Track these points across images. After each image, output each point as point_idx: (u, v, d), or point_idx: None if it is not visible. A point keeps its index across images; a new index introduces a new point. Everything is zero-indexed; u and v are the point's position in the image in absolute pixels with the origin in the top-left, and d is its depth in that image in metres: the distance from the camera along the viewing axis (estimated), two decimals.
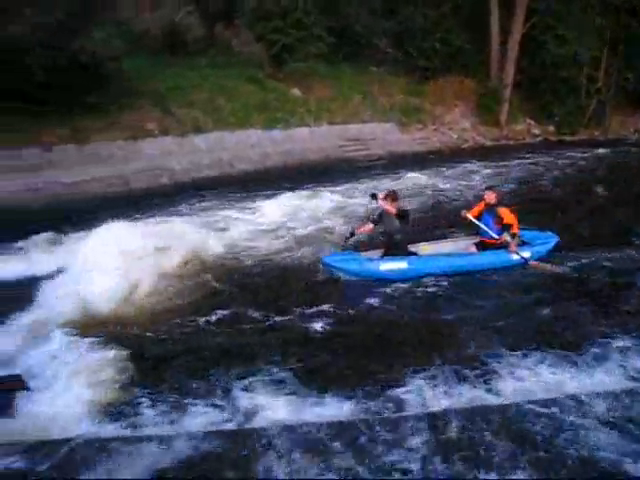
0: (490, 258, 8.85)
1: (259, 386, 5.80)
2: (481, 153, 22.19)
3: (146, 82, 18.75)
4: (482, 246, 9.07)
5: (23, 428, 5.08)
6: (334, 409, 5.38)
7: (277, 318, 7.41)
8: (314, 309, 7.71)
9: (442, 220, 11.83)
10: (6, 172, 14.03)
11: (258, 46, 23.37)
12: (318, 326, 7.19)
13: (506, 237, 8.73)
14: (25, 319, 7.31)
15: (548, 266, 8.79)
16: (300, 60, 22.66)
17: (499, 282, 8.62)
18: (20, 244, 10.19)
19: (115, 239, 8.77)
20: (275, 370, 6.07)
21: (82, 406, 5.47)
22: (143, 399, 5.63)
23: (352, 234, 8.91)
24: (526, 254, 8.87)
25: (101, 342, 6.74)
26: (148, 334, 7.09)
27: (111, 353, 6.49)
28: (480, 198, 9.57)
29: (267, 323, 7.33)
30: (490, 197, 9.00)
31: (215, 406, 5.49)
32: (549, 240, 9.35)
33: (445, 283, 8.39)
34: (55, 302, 7.68)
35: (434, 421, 4.90)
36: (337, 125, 22.30)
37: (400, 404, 5.47)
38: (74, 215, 11.54)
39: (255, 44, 23.65)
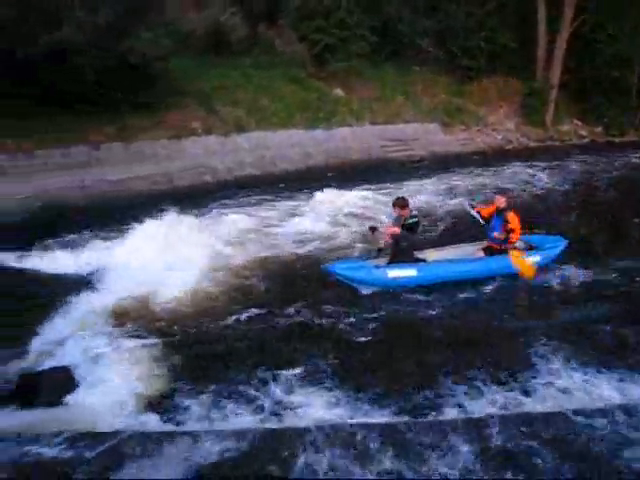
0: (500, 263, 8.66)
1: (300, 386, 5.87)
2: (526, 154, 21.76)
3: (191, 82, 18.97)
4: (490, 251, 8.95)
5: (71, 418, 5.23)
6: (374, 411, 5.42)
7: (318, 319, 7.45)
8: (354, 310, 7.74)
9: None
10: (56, 169, 14.44)
11: (301, 46, 23.38)
12: (359, 328, 7.21)
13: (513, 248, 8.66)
14: (75, 311, 7.49)
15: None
16: (342, 60, 22.57)
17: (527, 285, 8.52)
18: (70, 238, 10.44)
19: (166, 234, 8.94)
20: (316, 371, 6.13)
21: (127, 399, 5.62)
22: (186, 395, 5.75)
23: (375, 228, 8.64)
24: (535, 259, 8.73)
25: (149, 336, 6.91)
26: (195, 330, 7.23)
27: (158, 348, 6.66)
28: (491, 201, 9.40)
29: (308, 323, 7.38)
30: (500, 201, 8.90)
31: (256, 404, 5.58)
32: (558, 244, 9.18)
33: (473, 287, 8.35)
34: (106, 295, 7.87)
35: (475, 426, 4.85)
36: (379, 125, 22.17)
37: (440, 408, 5.47)
38: (120, 211, 11.78)
39: (298, 44, 23.68)
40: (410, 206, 8.38)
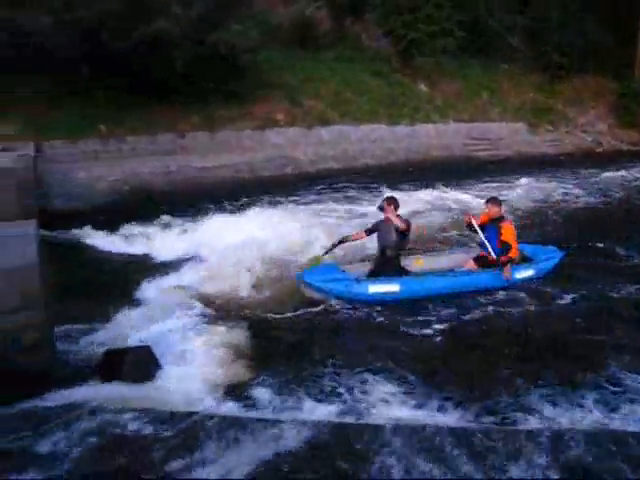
0: (489, 278, 7.87)
1: (376, 382, 5.72)
2: (618, 158, 20.67)
3: (277, 74, 19.19)
4: (481, 262, 8.11)
5: (151, 396, 5.30)
6: (450, 414, 5.22)
7: (399, 317, 7.25)
8: (433, 309, 7.51)
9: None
10: (144, 155, 15.00)
11: (386, 41, 23.23)
12: (439, 328, 6.98)
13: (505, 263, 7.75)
14: (161, 292, 7.66)
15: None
16: (428, 55, 22.25)
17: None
18: (156, 221, 10.74)
19: (249, 222, 9.01)
20: (393, 369, 5.96)
21: (207, 381, 5.63)
22: (264, 382, 5.71)
23: (341, 242, 8.06)
24: (528, 273, 8.10)
25: (234, 321, 6.94)
26: (282, 319, 7.20)
27: (237, 333, 6.67)
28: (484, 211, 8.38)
29: (390, 320, 7.21)
30: (493, 210, 8.03)
31: (332, 397, 5.48)
32: (553, 255, 8.50)
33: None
34: (188, 278, 8.00)
35: (555, 439, 4.55)
36: (463, 123, 21.70)
37: (517, 417, 5.19)
38: (203, 197, 12.02)
39: (383, 39, 23.53)
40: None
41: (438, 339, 6.74)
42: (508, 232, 7.83)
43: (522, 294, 7.86)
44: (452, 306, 7.56)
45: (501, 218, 8.01)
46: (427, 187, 13.95)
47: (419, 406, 5.33)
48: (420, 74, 22.56)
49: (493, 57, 25.28)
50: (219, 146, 16.39)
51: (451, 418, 5.14)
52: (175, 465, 4.05)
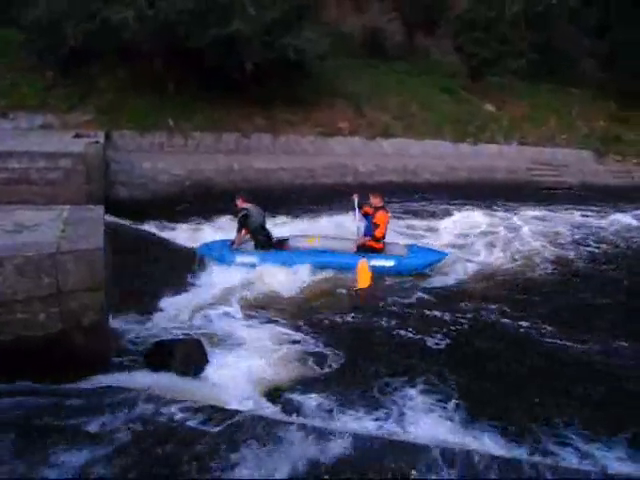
0: (347, 258, 8.89)
1: (422, 401, 5.61)
2: None
3: (343, 83, 19.24)
4: (363, 248, 9.11)
5: (197, 389, 5.36)
6: (493, 441, 5.05)
7: (450, 339, 7.13)
8: (488, 332, 7.37)
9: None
10: (207, 152, 15.42)
11: (456, 57, 23.03)
12: (488, 353, 6.85)
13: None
14: (213, 288, 7.80)
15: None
16: (498, 74, 21.95)
17: None
18: (216, 218, 10.94)
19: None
20: (441, 389, 5.84)
21: (251, 381, 5.68)
22: (309, 388, 5.71)
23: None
24: (386, 263, 8.94)
25: (281, 323, 6.99)
26: (328, 323, 7.25)
27: (288, 336, 6.75)
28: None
29: (441, 339, 7.09)
30: (375, 200, 9.16)
31: (376, 410, 5.40)
32: (429, 256, 9.36)
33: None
34: (244, 276, 8.08)
35: None
36: (528, 146, 21.20)
37: (574, 455, 4.97)
38: (263, 199, 12.10)
39: (453, 54, 23.34)
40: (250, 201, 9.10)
41: (493, 361, 6.63)
42: (380, 218, 8.98)
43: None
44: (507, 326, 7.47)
45: (381, 207, 9.12)
46: (486, 208, 13.70)
47: (462, 429, 5.21)
48: (488, 93, 22.28)
49: (564, 80, 24.70)
50: (281, 149, 16.60)
51: (494, 445, 5.00)
52: (215, 462, 4.05)
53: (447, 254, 9.60)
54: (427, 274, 9.27)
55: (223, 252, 9.00)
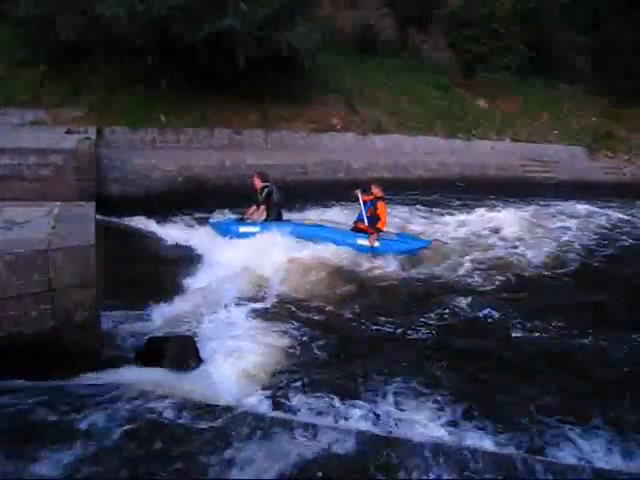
0: (347, 238, 9.68)
1: (413, 397, 5.65)
2: None
3: (336, 79, 19.18)
4: (357, 229, 9.95)
5: (189, 386, 5.34)
6: (485, 437, 5.09)
7: (446, 334, 7.20)
8: (484, 328, 7.42)
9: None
10: (199, 148, 15.39)
11: (449, 53, 23.05)
12: (483, 350, 6.87)
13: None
14: (205, 284, 7.80)
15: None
16: (490, 71, 21.97)
17: None
18: (209, 214, 10.95)
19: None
20: (432, 386, 5.87)
21: (243, 378, 5.68)
22: (302, 385, 5.73)
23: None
24: (376, 244, 9.60)
25: (274, 320, 7.00)
26: (322, 322, 7.24)
27: (281, 333, 6.76)
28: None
29: (436, 335, 7.14)
30: (375, 190, 9.92)
31: (367, 407, 5.42)
32: (411, 242, 10.03)
33: None
34: (237, 273, 8.09)
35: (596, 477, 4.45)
36: (520, 142, 21.22)
37: (556, 448, 5.03)
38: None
39: (446, 51, 23.38)
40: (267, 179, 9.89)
41: (486, 358, 6.67)
42: (382, 209, 9.70)
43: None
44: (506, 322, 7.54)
45: (381, 198, 9.82)
46: (478, 203, 13.74)
47: (454, 425, 5.25)
48: (480, 89, 22.29)
49: (556, 77, 24.83)
50: (273, 145, 16.56)
51: (486, 441, 5.03)
52: (207, 459, 4.06)
53: (430, 241, 10.27)
54: (424, 270, 9.44)
55: (229, 225, 9.77)
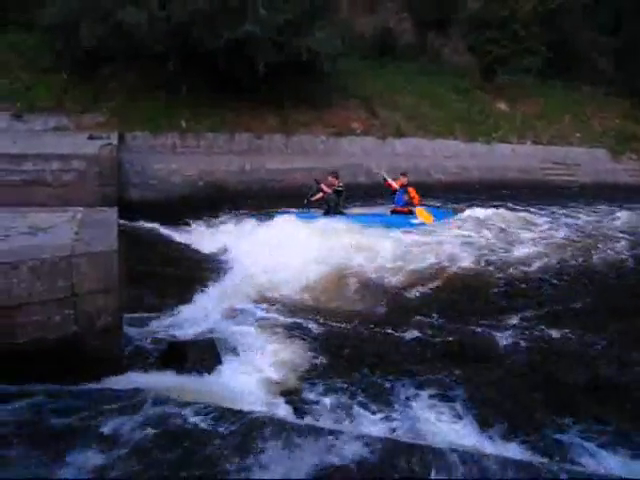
0: (400, 220, 11.46)
1: (434, 404, 5.60)
2: None
3: (355, 82, 19.20)
4: (395, 213, 11.84)
5: (210, 391, 5.34)
6: (507, 444, 5.01)
7: (466, 338, 7.11)
8: (508, 334, 7.29)
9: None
10: (220, 153, 15.47)
11: (468, 56, 22.93)
12: (507, 357, 6.76)
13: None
14: (226, 289, 7.79)
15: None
16: (510, 73, 21.81)
17: None
18: (227, 218, 10.96)
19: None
20: (452, 392, 5.81)
21: (264, 382, 5.68)
22: (321, 390, 5.69)
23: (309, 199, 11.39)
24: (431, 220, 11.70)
25: (295, 325, 6.97)
26: (342, 327, 7.17)
27: (302, 338, 6.73)
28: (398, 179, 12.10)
29: (456, 340, 7.05)
30: (403, 180, 11.96)
31: (388, 412, 5.38)
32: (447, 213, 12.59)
33: None
34: (258, 277, 8.10)
35: None
36: (541, 145, 21.05)
37: (589, 458, 4.92)
38: (275, 198, 12.18)
39: (465, 54, 23.27)
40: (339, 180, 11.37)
41: (510, 364, 6.58)
42: (413, 192, 11.78)
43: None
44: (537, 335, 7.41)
45: (409, 184, 11.95)
46: (499, 207, 13.61)
47: (474, 432, 5.18)
48: (500, 92, 22.16)
49: (578, 79, 24.44)
50: (293, 150, 16.64)
51: (508, 448, 4.96)
52: (228, 464, 4.05)
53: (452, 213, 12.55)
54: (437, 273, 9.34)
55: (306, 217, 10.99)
